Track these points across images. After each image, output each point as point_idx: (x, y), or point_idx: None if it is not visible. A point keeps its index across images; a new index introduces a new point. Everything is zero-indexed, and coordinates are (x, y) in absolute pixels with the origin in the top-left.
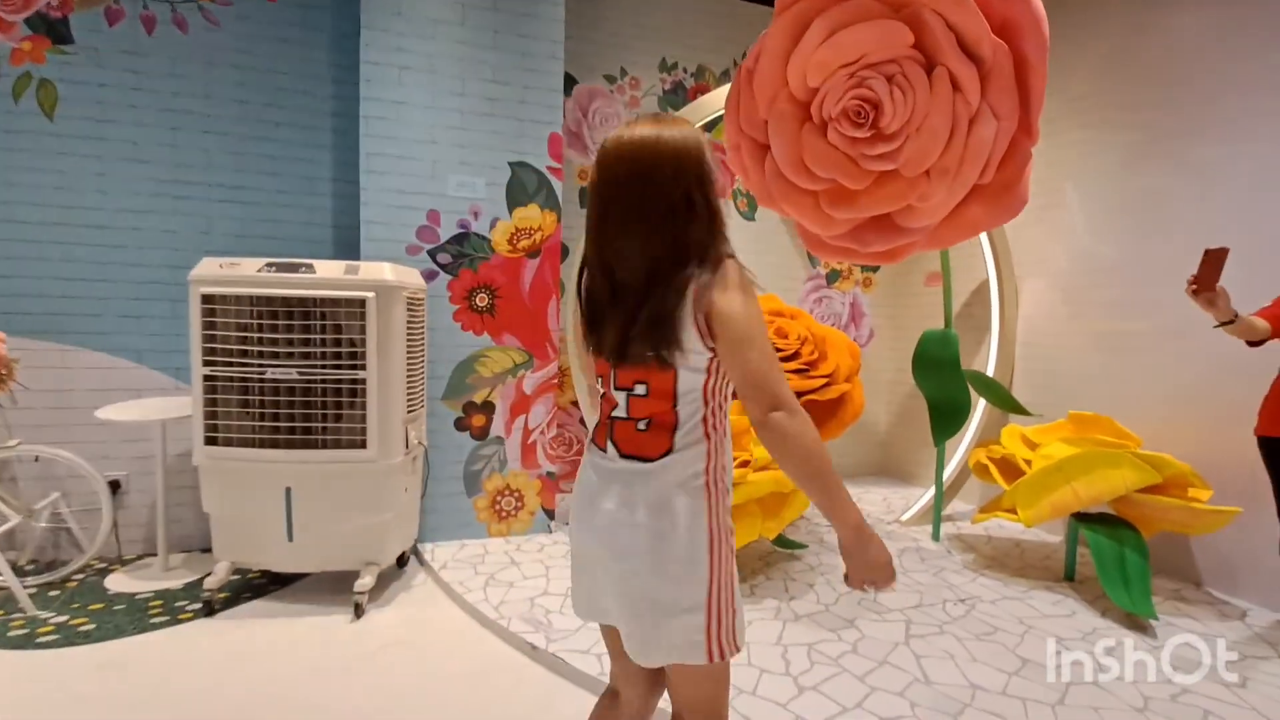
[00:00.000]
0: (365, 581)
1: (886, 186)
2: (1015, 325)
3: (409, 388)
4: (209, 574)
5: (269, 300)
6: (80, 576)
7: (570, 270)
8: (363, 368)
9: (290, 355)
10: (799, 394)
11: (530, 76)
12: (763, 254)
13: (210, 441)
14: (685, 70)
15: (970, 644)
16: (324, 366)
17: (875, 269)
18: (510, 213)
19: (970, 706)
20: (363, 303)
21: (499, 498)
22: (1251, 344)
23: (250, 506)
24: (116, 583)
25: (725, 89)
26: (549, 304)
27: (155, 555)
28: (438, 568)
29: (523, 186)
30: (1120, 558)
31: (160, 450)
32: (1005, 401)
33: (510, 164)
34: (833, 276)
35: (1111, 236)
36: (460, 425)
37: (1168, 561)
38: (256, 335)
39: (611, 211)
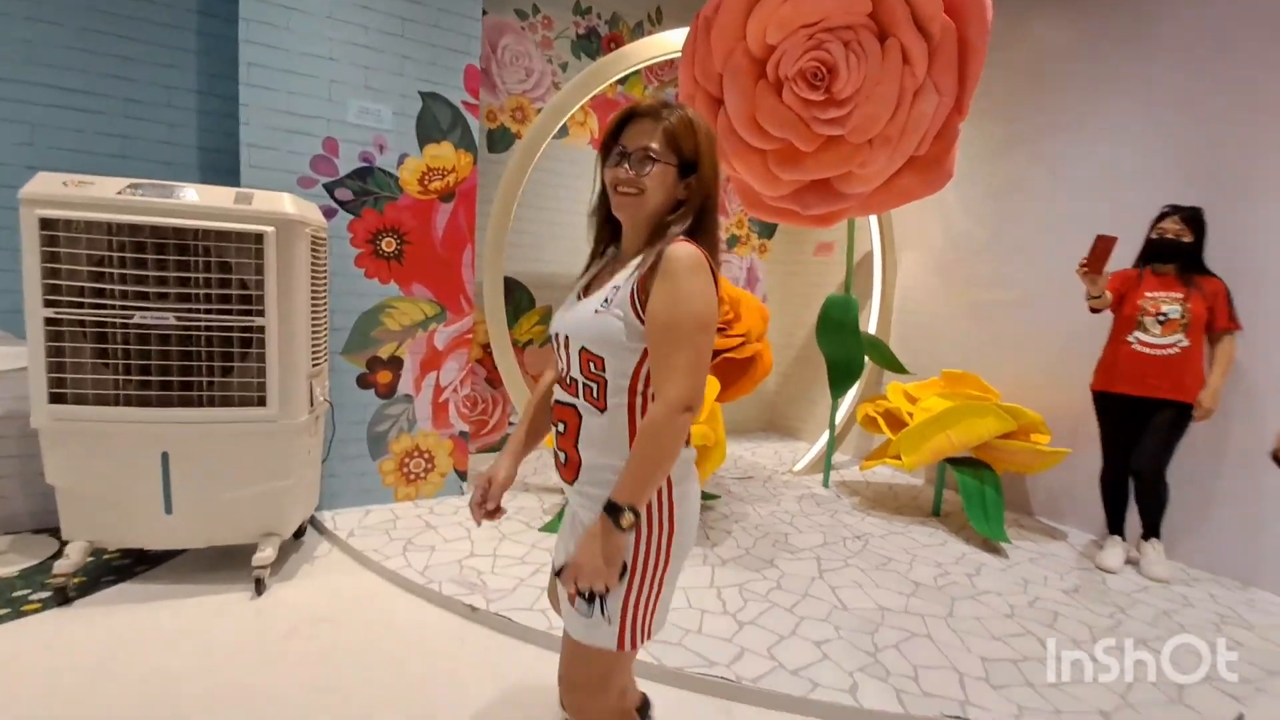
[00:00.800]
0: (265, 554)
1: (832, 151)
2: (894, 293)
3: (313, 339)
4: (56, 556)
5: (135, 230)
6: None
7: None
8: (259, 314)
9: (164, 297)
10: (717, 352)
11: None
12: None
13: (57, 399)
14: (599, 17)
15: (872, 573)
16: (209, 311)
17: (770, 235)
18: (421, 149)
19: (882, 625)
20: (259, 238)
21: (407, 459)
22: (1093, 311)
23: (113, 476)
24: None
25: (642, 43)
26: (464, 253)
27: None
28: (344, 536)
29: (435, 121)
30: (981, 494)
31: None
32: (888, 360)
33: (422, 94)
34: (731, 241)
35: (980, 218)
36: (364, 382)
37: (1008, 495)
38: (119, 272)
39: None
